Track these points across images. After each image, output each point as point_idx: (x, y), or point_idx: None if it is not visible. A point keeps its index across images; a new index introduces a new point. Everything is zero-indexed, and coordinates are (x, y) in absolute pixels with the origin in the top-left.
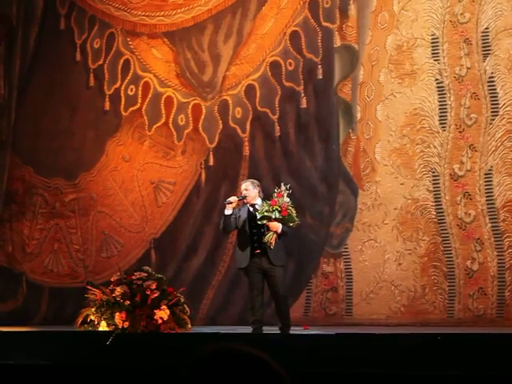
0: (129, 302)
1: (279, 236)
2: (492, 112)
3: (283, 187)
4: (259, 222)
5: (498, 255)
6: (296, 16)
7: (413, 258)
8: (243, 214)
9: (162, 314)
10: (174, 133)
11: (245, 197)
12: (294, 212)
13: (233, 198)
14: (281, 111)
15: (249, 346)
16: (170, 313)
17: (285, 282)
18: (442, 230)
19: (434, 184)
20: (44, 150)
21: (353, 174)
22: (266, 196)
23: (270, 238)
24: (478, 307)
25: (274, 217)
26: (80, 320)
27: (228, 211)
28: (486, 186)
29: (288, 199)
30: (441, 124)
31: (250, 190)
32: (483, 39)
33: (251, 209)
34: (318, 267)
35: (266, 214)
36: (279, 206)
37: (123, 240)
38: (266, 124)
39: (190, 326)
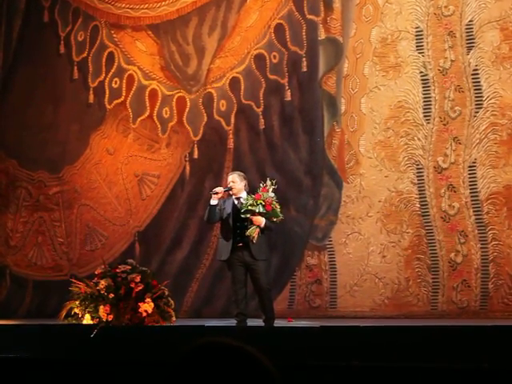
0: (113, 295)
1: (262, 230)
2: (476, 105)
3: (269, 182)
4: (243, 216)
5: (481, 247)
6: (280, 9)
7: (397, 250)
8: (228, 207)
9: (147, 306)
10: (159, 125)
11: (230, 188)
12: (279, 207)
13: (219, 189)
14: (265, 104)
15: (236, 340)
16: (155, 306)
17: (268, 275)
18: (425, 222)
19: (418, 176)
20: (28, 142)
21: (337, 166)
22: (251, 189)
23: (253, 232)
24: (461, 299)
25: (257, 211)
26: (64, 313)
27: (213, 201)
28: (469, 178)
29: (273, 194)
30: (425, 116)
31: (236, 182)
32: (467, 32)
33: (236, 201)
34: (302, 260)
35: (249, 207)
36: (263, 201)
37: (107, 233)
38: (251, 117)
39: (174, 318)
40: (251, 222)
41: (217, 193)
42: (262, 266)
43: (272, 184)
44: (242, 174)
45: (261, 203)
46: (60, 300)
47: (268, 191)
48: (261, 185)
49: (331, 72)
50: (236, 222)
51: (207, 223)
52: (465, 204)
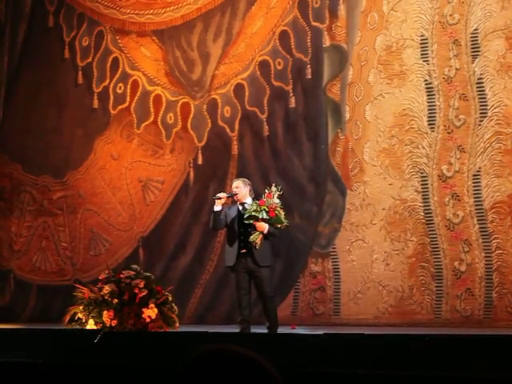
0: (117, 301)
1: (266, 237)
2: (480, 113)
3: (274, 188)
4: (246, 221)
5: (485, 256)
6: (285, 15)
7: (401, 258)
8: (233, 213)
9: (150, 312)
10: (163, 131)
11: (234, 194)
12: (283, 213)
13: (222, 194)
14: (269, 110)
15: (240, 347)
16: (158, 311)
17: (272, 282)
18: (430, 230)
19: (422, 185)
20: (32, 147)
21: (341, 173)
22: (256, 196)
23: (256, 238)
24: (465, 308)
25: (261, 217)
26: (68, 318)
27: (217, 207)
28: (474, 187)
29: (278, 200)
30: (429, 125)
31: (240, 188)
32: (472, 40)
33: (240, 207)
34: (305, 267)
35: (253, 213)
36: (267, 207)
37: (111, 238)
38: (255, 123)
39: (177, 324)
40: (255, 228)
41: (220, 198)
42: (265, 273)
43: (277, 190)
44: (247, 180)
45: (264, 209)
46: (64, 305)
47: (273, 197)
48: (266, 191)
49: (336, 79)
50: (240, 228)
51: (213, 230)
52: (469, 213)
